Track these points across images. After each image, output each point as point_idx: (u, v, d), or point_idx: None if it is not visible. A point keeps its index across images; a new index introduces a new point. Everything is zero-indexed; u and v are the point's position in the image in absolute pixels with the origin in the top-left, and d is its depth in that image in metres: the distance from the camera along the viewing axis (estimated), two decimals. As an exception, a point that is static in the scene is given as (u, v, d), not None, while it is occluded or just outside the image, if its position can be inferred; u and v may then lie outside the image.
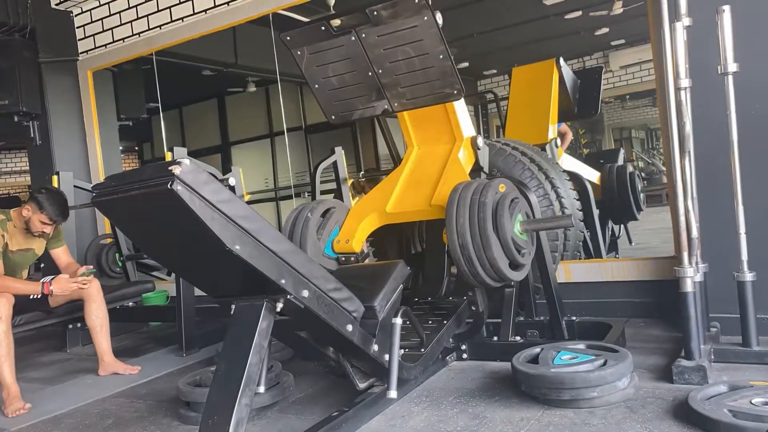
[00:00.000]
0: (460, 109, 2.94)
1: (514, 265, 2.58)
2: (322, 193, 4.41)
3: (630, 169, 4.83)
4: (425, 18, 2.51)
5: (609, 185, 4.71)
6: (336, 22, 2.66)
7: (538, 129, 4.49)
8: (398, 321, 2.21)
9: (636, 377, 2.28)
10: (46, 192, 3.33)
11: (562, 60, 4.70)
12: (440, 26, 2.54)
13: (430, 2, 2.51)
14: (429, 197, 2.79)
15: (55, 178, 4.64)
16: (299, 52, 2.78)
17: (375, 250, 3.43)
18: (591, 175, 4.68)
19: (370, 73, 2.72)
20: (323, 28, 2.67)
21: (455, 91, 2.70)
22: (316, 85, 2.88)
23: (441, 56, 2.59)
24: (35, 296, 3.32)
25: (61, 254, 3.58)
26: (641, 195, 4.79)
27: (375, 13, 2.57)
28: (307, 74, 2.85)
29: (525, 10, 6.10)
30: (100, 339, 3.37)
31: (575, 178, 4.06)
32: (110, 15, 5.18)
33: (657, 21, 2.44)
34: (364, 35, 2.64)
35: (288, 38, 2.77)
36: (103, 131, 5.48)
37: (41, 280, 3.33)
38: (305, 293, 1.88)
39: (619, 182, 4.71)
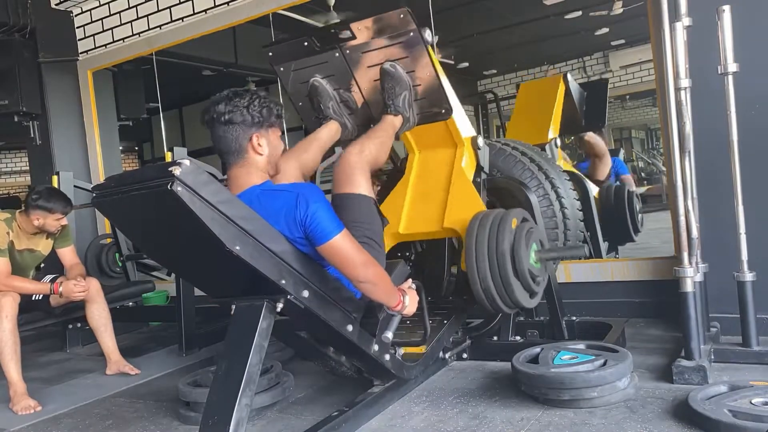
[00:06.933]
0: (458, 115, 2.87)
1: (530, 294, 2.56)
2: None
3: (630, 188, 4.79)
4: (411, 35, 2.38)
5: (606, 206, 4.66)
6: (322, 36, 2.54)
7: (538, 129, 4.51)
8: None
9: (636, 377, 2.28)
10: (41, 194, 3.28)
11: (569, 75, 4.78)
12: (429, 43, 2.42)
13: (415, 18, 2.37)
14: (440, 216, 2.73)
15: (55, 178, 4.64)
16: (282, 68, 2.64)
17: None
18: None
19: (354, 91, 2.61)
20: (306, 43, 2.55)
21: (443, 110, 2.57)
22: (300, 103, 2.72)
23: (428, 74, 2.47)
24: (37, 296, 3.33)
25: (68, 254, 3.55)
26: (639, 216, 4.75)
27: (359, 28, 2.45)
28: (291, 91, 2.70)
29: (525, 10, 6.09)
30: (105, 339, 3.39)
31: (575, 178, 4.05)
32: (110, 15, 5.17)
33: (657, 21, 2.44)
34: (348, 51, 2.51)
35: (270, 54, 2.64)
36: (103, 131, 5.46)
37: (47, 279, 3.34)
38: (305, 293, 1.88)
39: (617, 202, 4.66)
